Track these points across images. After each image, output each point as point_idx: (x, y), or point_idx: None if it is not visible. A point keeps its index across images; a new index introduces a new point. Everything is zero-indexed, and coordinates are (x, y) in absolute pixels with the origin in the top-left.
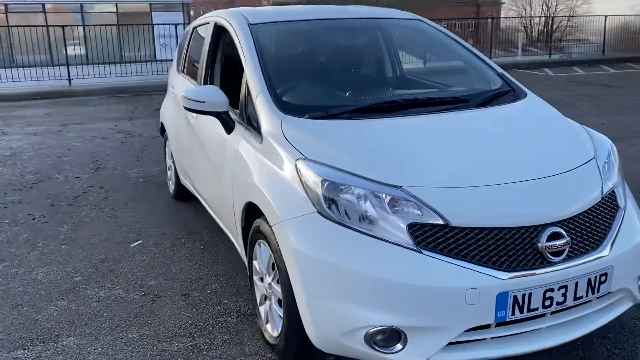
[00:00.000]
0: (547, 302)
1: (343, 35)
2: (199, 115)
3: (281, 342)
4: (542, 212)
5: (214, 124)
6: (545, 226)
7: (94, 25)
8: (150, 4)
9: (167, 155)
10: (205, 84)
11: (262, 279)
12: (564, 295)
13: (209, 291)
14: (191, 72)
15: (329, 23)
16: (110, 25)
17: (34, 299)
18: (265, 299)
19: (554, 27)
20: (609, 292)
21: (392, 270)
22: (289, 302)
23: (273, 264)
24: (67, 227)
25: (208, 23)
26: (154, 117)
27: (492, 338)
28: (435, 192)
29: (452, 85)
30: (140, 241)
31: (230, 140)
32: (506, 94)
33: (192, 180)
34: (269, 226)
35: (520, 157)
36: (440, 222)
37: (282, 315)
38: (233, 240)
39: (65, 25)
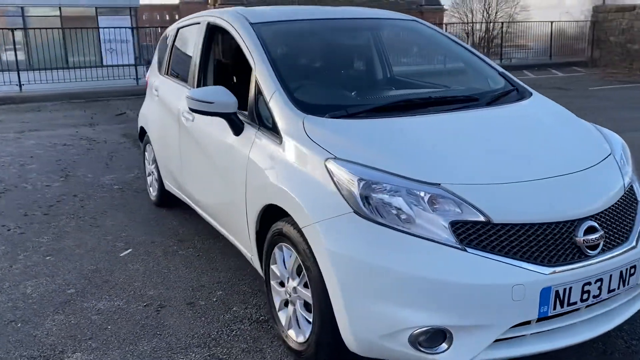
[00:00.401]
0: (585, 296)
1: (346, 35)
2: (198, 118)
3: (310, 347)
4: (577, 207)
5: (217, 126)
6: (581, 220)
7: (39, 29)
8: (96, 8)
9: (147, 161)
10: (199, 85)
11: (281, 284)
12: (600, 288)
13: (214, 299)
14: (179, 74)
15: (329, 23)
16: (57, 28)
17: (27, 314)
18: (286, 304)
19: (495, 32)
20: (637, 284)
21: (437, 269)
22: (321, 306)
23: (299, 268)
24: (48, 238)
25: (198, 23)
26: (115, 123)
27: (531, 334)
28: (474, 189)
29: (458, 85)
30: (130, 250)
31: (238, 142)
32: (512, 93)
33: (182, 186)
34: (297, 228)
35: (546, 153)
36: (482, 219)
37: (311, 320)
38: (239, 245)
39: (15, 28)
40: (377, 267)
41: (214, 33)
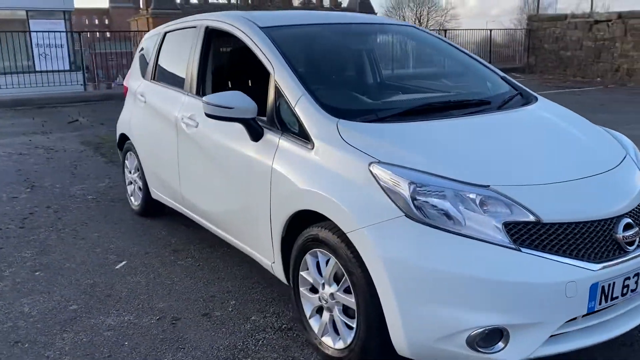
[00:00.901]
0: (625, 290)
1: (354, 39)
2: (203, 124)
3: (354, 353)
4: (614, 205)
5: (229, 132)
6: (619, 218)
7: None
8: (27, 11)
9: (127, 170)
10: (199, 91)
11: (313, 290)
12: (637, 282)
13: (229, 309)
14: (171, 80)
15: (335, 27)
16: None
17: (31, 334)
18: (318, 311)
19: None
20: None
21: (495, 270)
22: (368, 311)
23: (336, 273)
24: (31, 252)
25: (194, 27)
26: (69, 131)
27: (578, 329)
28: (521, 190)
29: (463, 88)
30: (125, 262)
31: (258, 149)
32: (517, 96)
33: (177, 194)
34: (337, 234)
35: (574, 154)
36: (532, 219)
37: (353, 325)
38: (254, 253)
39: None
40: (432, 270)
41: (213, 37)
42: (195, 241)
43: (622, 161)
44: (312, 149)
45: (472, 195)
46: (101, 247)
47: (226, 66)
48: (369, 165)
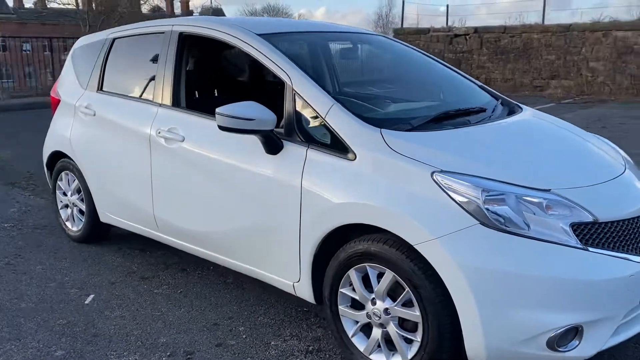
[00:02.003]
0: None
1: (348, 48)
2: (193, 138)
3: None
4: (638, 203)
5: (237, 146)
6: None
7: None
8: None
9: (62, 192)
10: (176, 102)
11: (357, 307)
12: None
13: (243, 335)
14: (131, 90)
15: (324, 36)
16: None
17: None
18: (362, 327)
19: None
20: None
21: (569, 270)
22: (439, 323)
23: (392, 288)
24: None
25: (161, 33)
26: None
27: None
28: (575, 192)
29: (448, 97)
30: (93, 295)
31: (279, 162)
32: (505, 105)
33: (149, 215)
34: (395, 246)
35: (595, 157)
36: (591, 219)
37: (415, 339)
38: (266, 274)
39: None
40: (512, 274)
41: (191, 45)
42: (160, 266)
43: (625, 164)
44: (354, 160)
45: (537, 200)
46: (54, 281)
47: (211, 75)
48: (432, 174)
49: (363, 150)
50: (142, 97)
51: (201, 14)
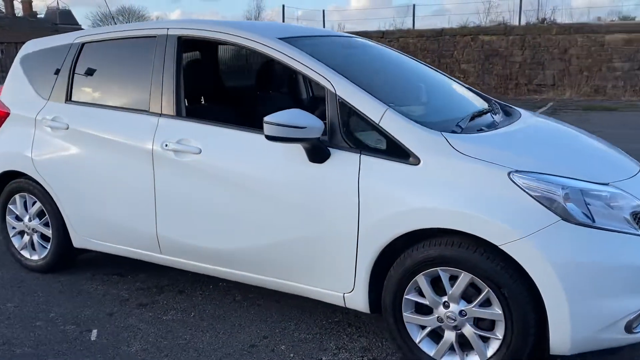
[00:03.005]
0: None
1: (360, 51)
2: (213, 149)
3: None
4: None
5: (275, 155)
6: None
7: None
8: None
9: (13, 218)
10: (178, 112)
11: (423, 312)
12: None
13: (291, 354)
14: (115, 100)
15: (341, 40)
16: None
17: None
18: (432, 333)
19: None
20: None
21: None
22: (525, 320)
23: (464, 290)
24: None
25: (153, 37)
26: None
27: None
28: (624, 184)
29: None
30: (96, 330)
31: (328, 171)
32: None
33: (140, 236)
34: (472, 248)
35: (613, 153)
36: None
37: (495, 337)
38: (308, 288)
39: None
40: (597, 265)
41: (190, 49)
42: (152, 290)
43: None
44: (418, 164)
45: (604, 194)
46: (38, 319)
47: (224, 81)
48: (509, 174)
49: (427, 155)
50: (132, 108)
51: (47, 15)
